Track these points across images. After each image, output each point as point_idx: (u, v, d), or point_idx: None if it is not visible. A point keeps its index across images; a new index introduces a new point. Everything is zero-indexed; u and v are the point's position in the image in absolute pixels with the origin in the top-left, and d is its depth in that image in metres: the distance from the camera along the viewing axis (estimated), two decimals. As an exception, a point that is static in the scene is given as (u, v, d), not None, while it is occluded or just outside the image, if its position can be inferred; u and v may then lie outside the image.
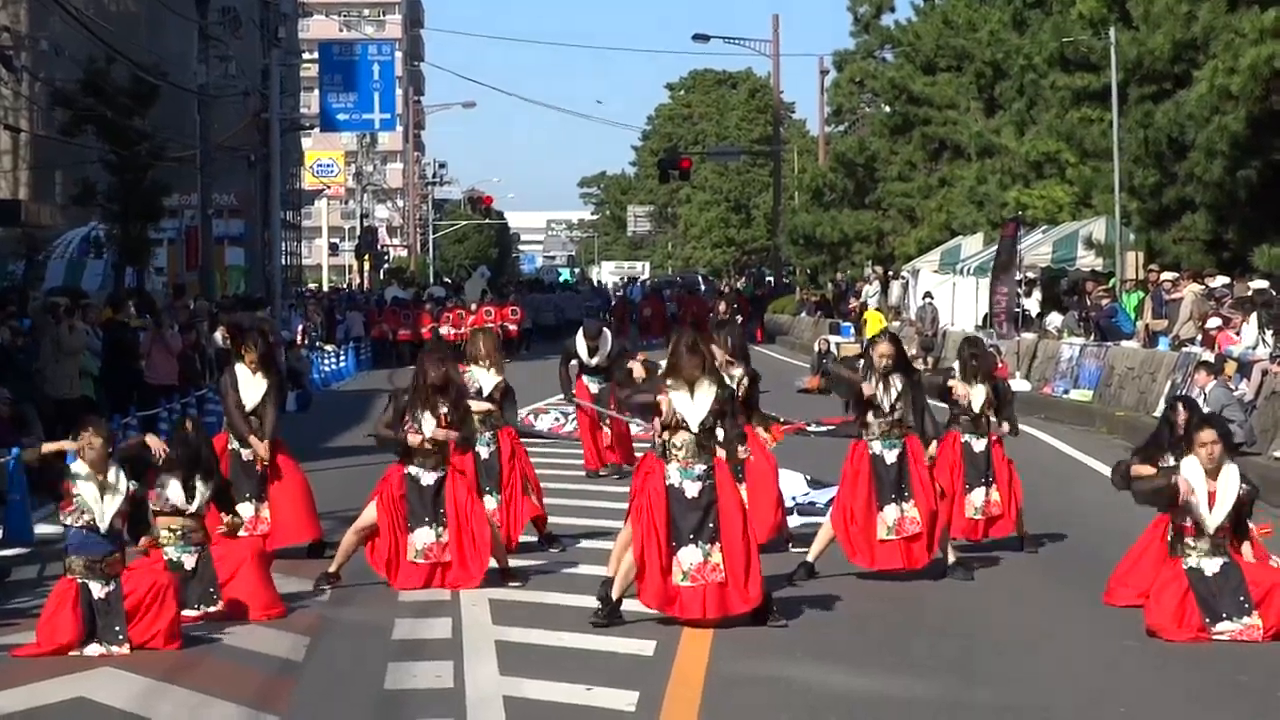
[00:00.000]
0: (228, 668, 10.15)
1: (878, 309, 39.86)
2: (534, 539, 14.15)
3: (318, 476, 15.40)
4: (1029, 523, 14.16)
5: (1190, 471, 10.81)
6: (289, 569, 12.77)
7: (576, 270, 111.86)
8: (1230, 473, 10.85)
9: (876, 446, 12.62)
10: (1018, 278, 33.16)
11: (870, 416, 12.64)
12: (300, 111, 56.80)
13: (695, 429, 10.95)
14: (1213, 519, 10.73)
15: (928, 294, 37.39)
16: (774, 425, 13.77)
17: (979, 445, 14.01)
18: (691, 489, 10.94)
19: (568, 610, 11.44)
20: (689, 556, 10.84)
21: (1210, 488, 10.78)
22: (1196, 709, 9.26)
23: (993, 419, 14.06)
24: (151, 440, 11.80)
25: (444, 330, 42.05)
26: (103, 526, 10.59)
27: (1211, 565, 10.69)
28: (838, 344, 32.30)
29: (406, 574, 12.29)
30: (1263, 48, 26.54)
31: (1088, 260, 33.23)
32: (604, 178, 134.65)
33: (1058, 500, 16.68)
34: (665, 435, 11.03)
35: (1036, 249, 34.62)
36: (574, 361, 19.68)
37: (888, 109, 52.90)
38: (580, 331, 19.97)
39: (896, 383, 12.62)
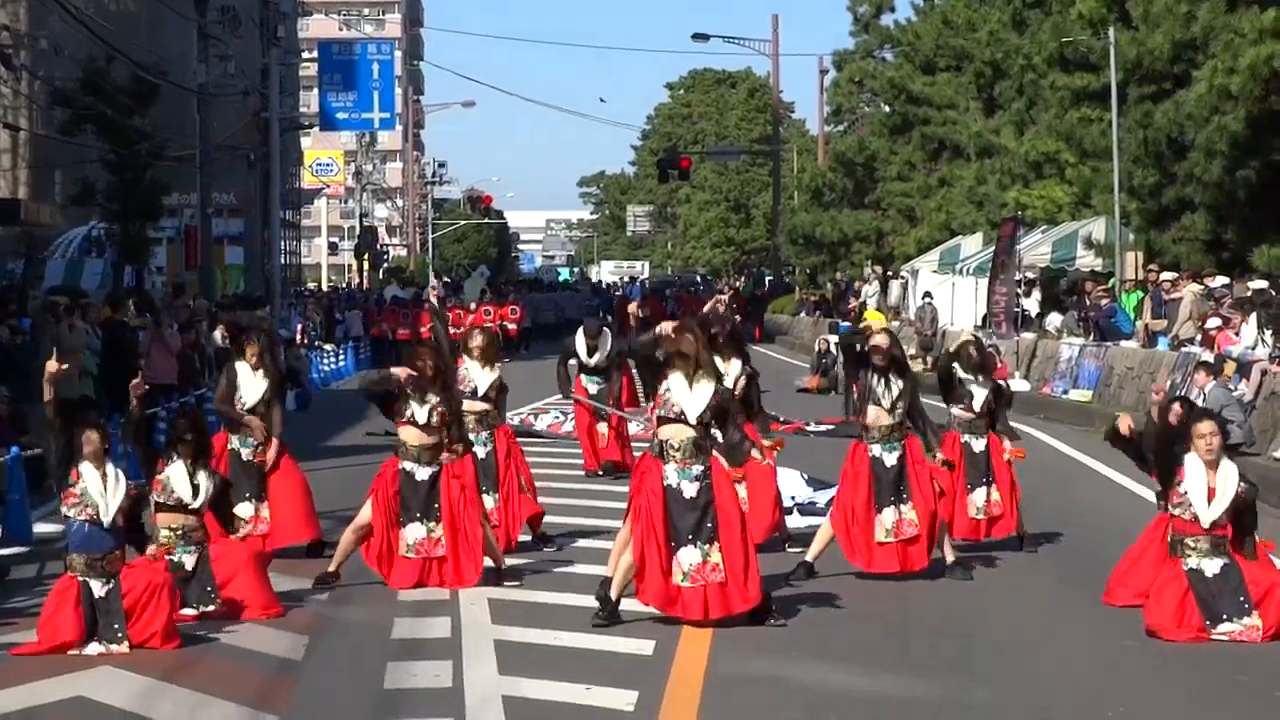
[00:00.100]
0: (227, 667, 10.14)
1: (877, 309, 39.84)
2: (528, 538, 14.14)
3: (317, 476, 15.39)
4: (1029, 523, 14.16)
5: (1190, 466, 10.81)
6: (288, 568, 12.76)
7: (576, 270, 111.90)
8: (1229, 469, 10.86)
9: (876, 449, 12.60)
10: (1017, 278, 33.17)
11: (870, 417, 12.61)
12: (300, 111, 56.89)
13: (692, 422, 10.95)
14: (1210, 513, 10.73)
15: (927, 294, 37.41)
16: (768, 447, 13.59)
17: (979, 445, 14.01)
18: (689, 489, 10.92)
19: (567, 610, 11.43)
20: (688, 557, 10.84)
21: (1210, 482, 10.77)
22: (1196, 709, 9.25)
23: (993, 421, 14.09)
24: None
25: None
26: (106, 520, 10.59)
27: (1212, 566, 10.68)
28: (837, 344, 32.24)
29: (400, 570, 12.28)
30: (1262, 48, 26.56)
31: (1087, 260, 33.23)
32: (603, 177, 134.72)
33: (1057, 500, 16.67)
34: (662, 433, 11.01)
35: (1036, 249, 34.62)
36: (573, 361, 19.64)
37: (887, 109, 52.93)
38: (581, 330, 19.92)
39: (897, 382, 12.62)
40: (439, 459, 12.42)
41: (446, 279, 70.81)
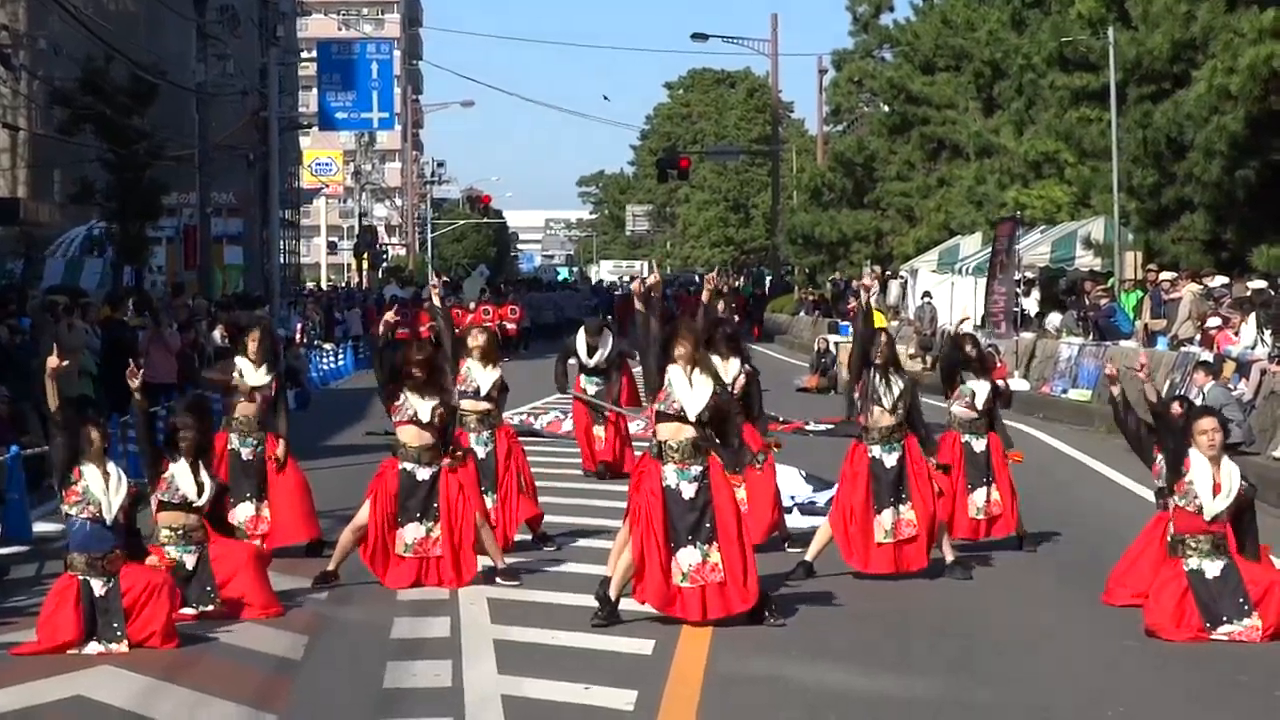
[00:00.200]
0: (226, 666, 10.14)
1: (876, 308, 39.82)
2: (527, 537, 14.13)
3: (316, 475, 15.38)
4: (1028, 523, 14.16)
5: (1195, 460, 10.81)
6: (287, 568, 12.75)
7: (575, 270, 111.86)
8: (1231, 466, 10.87)
9: (876, 450, 12.60)
10: (1016, 277, 33.16)
11: (870, 417, 12.61)
12: (299, 110, 56.90)
13: (691, 420, 10.94)
14: (1214, 506, 10.72)
15: (926, 294, 37.41)
16: (767, 445, 13.60)
17: (979, 445, 14.01)
18: (688, 490, 10.92)
19: (566, 609, 11.43)
20: (687, 558, 10.84)
21: (1215, 477, 10.77)
22: (1196, 709, 9.25)
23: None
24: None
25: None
26: (108, 518, 10.58)
27: (1213, 568, 10.67)
28: (836, 343, 32.29)
29: (396, 570, 12.27)
30: (1261, 48, 26.57)
31: (1086, 260, 33.24)
32: (602, 177, 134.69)
33: (1057, 500, 16.67)
34: (661, 433, 11.01)
35: (1035, 249, 34.62)
36: (572, 360, 19.60)
37: (886, 108, 52.94)
38: (581, 330, 19.86)
39: (898, 382, 12.62)
40: (439, 460, 12.41)
41: (446, 278, 70.78)
